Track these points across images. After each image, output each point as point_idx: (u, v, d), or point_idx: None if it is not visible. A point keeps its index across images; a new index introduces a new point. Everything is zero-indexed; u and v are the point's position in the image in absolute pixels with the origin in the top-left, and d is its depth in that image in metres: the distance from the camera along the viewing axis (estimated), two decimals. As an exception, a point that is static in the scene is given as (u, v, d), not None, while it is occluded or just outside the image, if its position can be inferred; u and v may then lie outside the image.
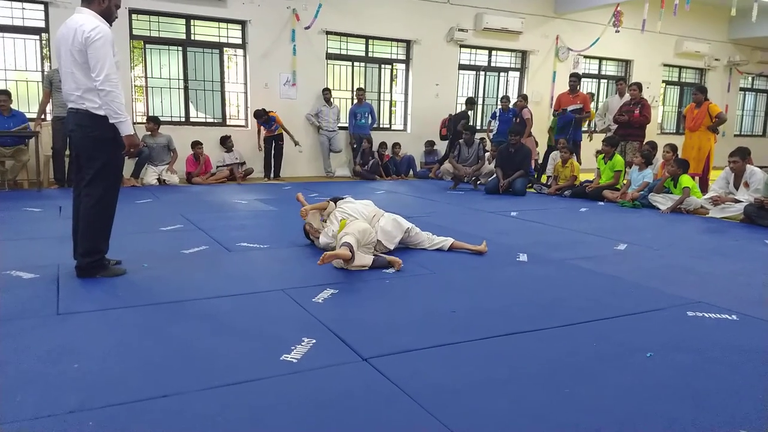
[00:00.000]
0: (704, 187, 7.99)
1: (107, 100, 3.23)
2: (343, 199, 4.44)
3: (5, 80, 8.18)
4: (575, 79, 9.41)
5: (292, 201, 4.85)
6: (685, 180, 6.84)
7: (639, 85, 8.66)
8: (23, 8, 8.13)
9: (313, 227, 4.30)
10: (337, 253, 3.50)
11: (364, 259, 3.67)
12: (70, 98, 3.35)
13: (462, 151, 9.02)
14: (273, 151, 9.50)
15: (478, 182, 8.88)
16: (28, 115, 7.69)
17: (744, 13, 10.43)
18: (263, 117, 9.16)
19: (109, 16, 3.37)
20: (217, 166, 9.10)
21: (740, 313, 3.08)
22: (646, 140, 8.45)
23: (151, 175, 8.42)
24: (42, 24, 8.21)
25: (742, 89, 15.36)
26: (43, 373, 2.17)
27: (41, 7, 8.15)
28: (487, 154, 9.15)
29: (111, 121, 3.27)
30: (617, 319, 2.97)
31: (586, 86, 12.50)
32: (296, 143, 9.59)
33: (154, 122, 8.54)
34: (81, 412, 1.90)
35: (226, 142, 9.15)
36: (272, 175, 9.54)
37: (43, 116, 7.61)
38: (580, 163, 8.72)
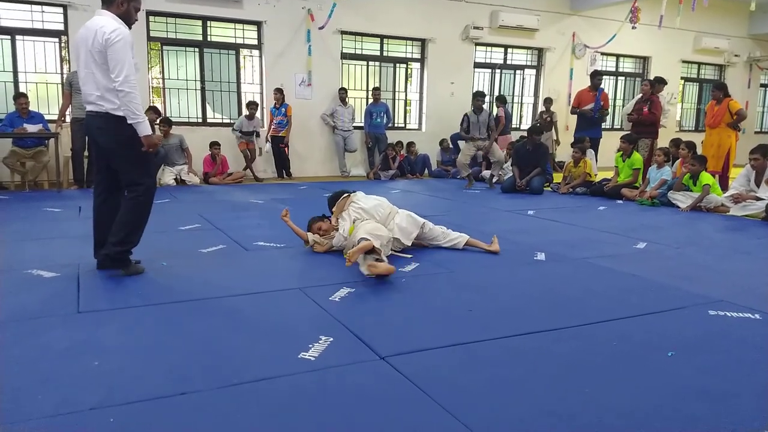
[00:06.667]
0: (724, 185, 7.87)
1: (125, 101, 3.28)
2: (354, 193, 4.34)
3: (25, 83, 8.30)
4: (599, 78, 9.43)
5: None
6: (705, 177, 6.74)
7: (651, 82, 8.64)
8: (42, 11, 8.24)
9: (319, 245, 4.20)
10: (361, 247, 3.39)
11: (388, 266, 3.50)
12: (89, 99, 3.39)
13: (471, 120, 8.34)
14: (278, 154, 9.53)
15: (494, 180, 8.80)
16: (46, 117, 7.80)
17: (764, 8, 10.29)
18: (280, 94, 9.20)
19: (128, 19, 3.42)
20: (233, 129, 9.11)
21: (763, 312, 3.03)
22: (669, 138, 8.38)
23: (168, 175, 8.50)
24: (61, 27, 8.31)
25: (762, 85, 15.09)
26: (64, 371, 2.20)
27: (60, 9, 8.24)
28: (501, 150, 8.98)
29: (129, 121, 3.32)
30: (637, 318, 2.93)
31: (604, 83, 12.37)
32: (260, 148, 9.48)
33: (166, 124, 8.61)
34: (102, 409, 1.91)
35: (250, 107, 9.11)
36: (284, 175, 9.57)
37: (63, 118, 7.68)
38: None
